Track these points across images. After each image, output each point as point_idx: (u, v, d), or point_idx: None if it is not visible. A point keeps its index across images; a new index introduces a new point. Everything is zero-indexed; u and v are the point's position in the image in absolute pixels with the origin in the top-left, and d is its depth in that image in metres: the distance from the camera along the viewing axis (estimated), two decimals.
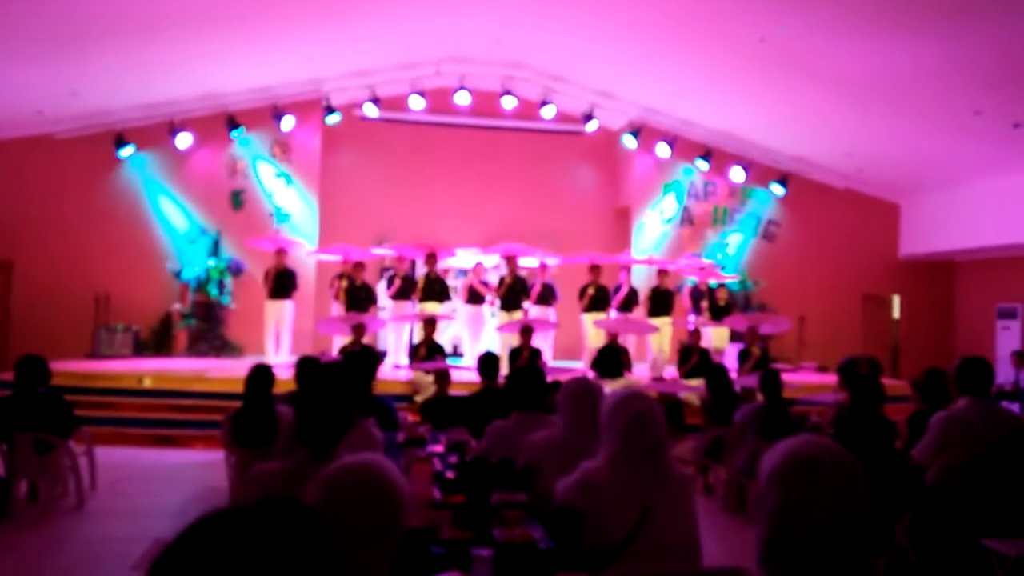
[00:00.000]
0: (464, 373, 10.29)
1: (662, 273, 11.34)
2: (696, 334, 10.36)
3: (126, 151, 11.99)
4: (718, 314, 11.01)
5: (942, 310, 14.03)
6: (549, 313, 11.09)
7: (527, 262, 11.76)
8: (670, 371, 10.86)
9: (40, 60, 9.48)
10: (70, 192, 11.97)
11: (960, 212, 12.54)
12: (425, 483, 3.12)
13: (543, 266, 11.19)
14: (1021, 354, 11.47)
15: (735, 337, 11.11)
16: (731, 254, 13.43)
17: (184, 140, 12.06)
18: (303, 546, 0.90)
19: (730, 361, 10.45)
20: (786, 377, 6.80)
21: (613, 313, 11.04)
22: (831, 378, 9.59)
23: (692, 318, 11.07)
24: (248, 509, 0.92)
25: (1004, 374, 10.86)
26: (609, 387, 3.40)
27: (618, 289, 11.21)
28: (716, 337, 11.16)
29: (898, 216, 13.98)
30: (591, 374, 9.67)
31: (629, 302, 11.12)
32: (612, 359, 9.48)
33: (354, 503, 1.59)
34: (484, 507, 2.77)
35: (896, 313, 14.34)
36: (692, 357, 10.12)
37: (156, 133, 12.02)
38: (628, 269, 11.61)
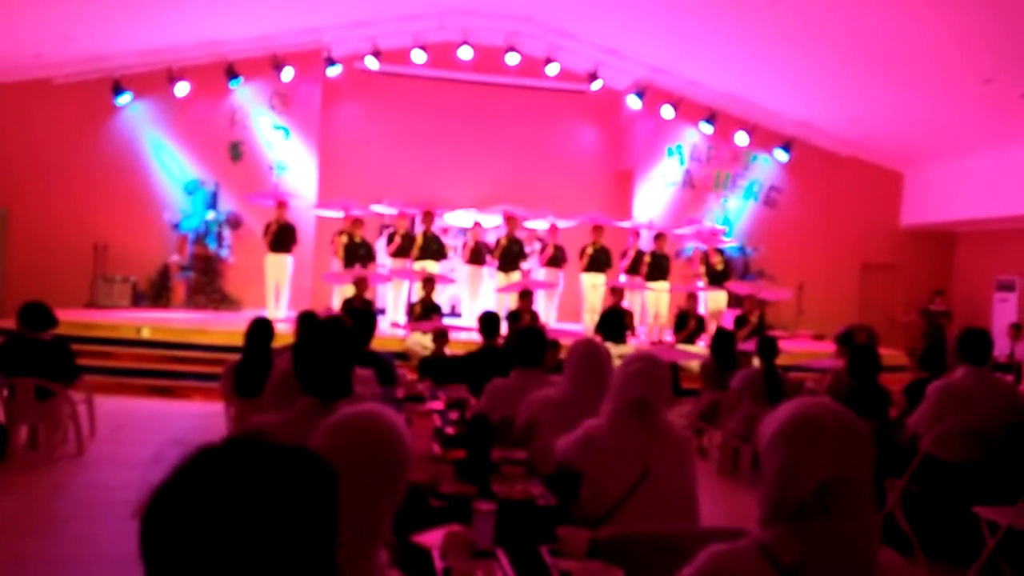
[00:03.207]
0: (462, 332, 10.31)
1: (660, 237, 11.31)
2: (692, 300, 10.37)
3: (124, 99, 11.81)
4: (715, 278, 11.02)
5: (941, 281, 14.04)
6: (559, 275, 11.07)
7: (536, 224, 11.69)
8: (666, 336, 10.89)
9: (37, 1, 9.27)
10: (68, 138, 11.83)
11: (962, 183, 12.47)
12: (425, 438, 3.13)
13: (553, 228, 11.13)
14: (1017, 326, 11.53)
15: (732, 303, 11.12)
16: (732, 219, 13.38)
17: (182, 89, 11.88)
18: (319, 496, 0.91)
19: (726, 327, 10.48)
20: (783, 344, 6.83)
21: (622, 277, 11.05)
22: (827, 346, 9.64)
23: (702, 283, 11.09)
24: (265, 447, 0.91)
25: (1000, 346, 10.90)
26: (613, 350, 3.40)
27: (624, 253, 11.20)
28: (713, 303, 11.17)
29: (901, 185, 13.90)
30: (592, 334, 9.70)
31: (636, 265, 11.11)
32: (616, 322, 9.50)
33: (360, 452, 1.59)
34: (484, 462, 2.79)
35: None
36: (689, 322, 10.15)
37: (154, 81, 11.83)
38: (636, 233, 11.57)
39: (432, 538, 2.09)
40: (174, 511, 0.84)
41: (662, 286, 11.07)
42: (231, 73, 11.93)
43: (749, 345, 7.41)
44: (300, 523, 0.87)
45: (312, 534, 0.89)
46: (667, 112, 12.85)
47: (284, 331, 7.54)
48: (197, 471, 0.87)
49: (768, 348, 6.28)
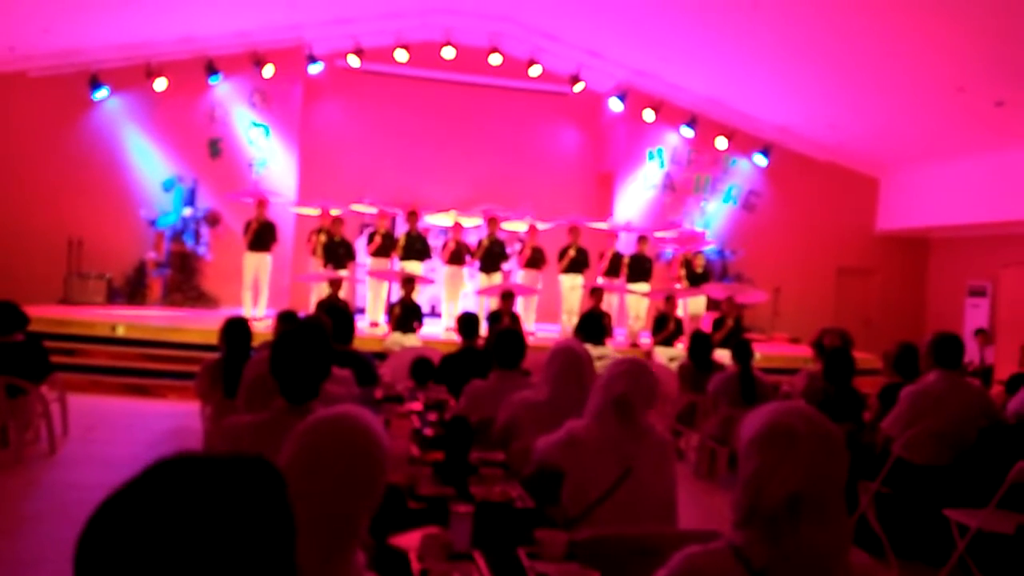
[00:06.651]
0: (442, 333, 10.30)
1: (642, 240, 11.37)
2: (672, 302, 10.42)
3: (101, 93, 11.66)
4: (695, 281, 11.09)
5: (915, 286, 14.25)
6: (538, 277, 11.07)
7: (514, 225, 11.70)
8: (644, 338, 10.95)
9: None
10: (43, 132, 11.64)
11: (936, 189, 12.67)
12: (404, 439, 3.13)
13: (533, 229, 11.13)
14: (984, 332, 11.73)
15: (711, 306, 11.21)
16: (711, 223, 13.48)
17: (161, 84, 11.74)
18: (263, 506, 0.86)
19: (705, 330, 10.54)
20: (759, 347, 6.89)
21: (600, 279, 11.09)
22: (803, 349, 9.75)
23: (681, 286, 11.16)
24: (211, 460, 0.88)
25: (969, 352, 11.08)
26: (592, 352, 3.42)
27: (602, 255, 11.24)
28: (693, 305, 11.25)
29: (877, 191, 14.09)
30: (571, 336, 9.72)
31: (615, 267, 11.15)
32: (595, 324, 9.53)
33: (335, 454, 1.59)
34: (463, 464, 2.79)
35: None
36: (668, 325, 10.20)
37: (132, 76, 11.68)
38: (616, 235, 11.62)
39: (409, 540, 2.08)
40: (109, 538, 0.80)
41: (643, 288, 11.13)
42: (211, 69, 11.81)
43: (723, 356, 7.46)
44: (247, 538, 0.82)
45: (263, 547, 0.84)
46: (648, 115, 12.92)
47: (263, 330, 7.49)
48: (129, 496, 0.82)
49: (743, 351, 6.34)
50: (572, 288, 11.05)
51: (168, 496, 0.81)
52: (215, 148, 12.27)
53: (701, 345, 7.08)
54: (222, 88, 12.21)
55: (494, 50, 12.34)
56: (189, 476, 0.84)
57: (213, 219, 12.02)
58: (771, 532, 1.51)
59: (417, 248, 10.89)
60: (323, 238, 10.66)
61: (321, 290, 10.15)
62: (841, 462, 1.55)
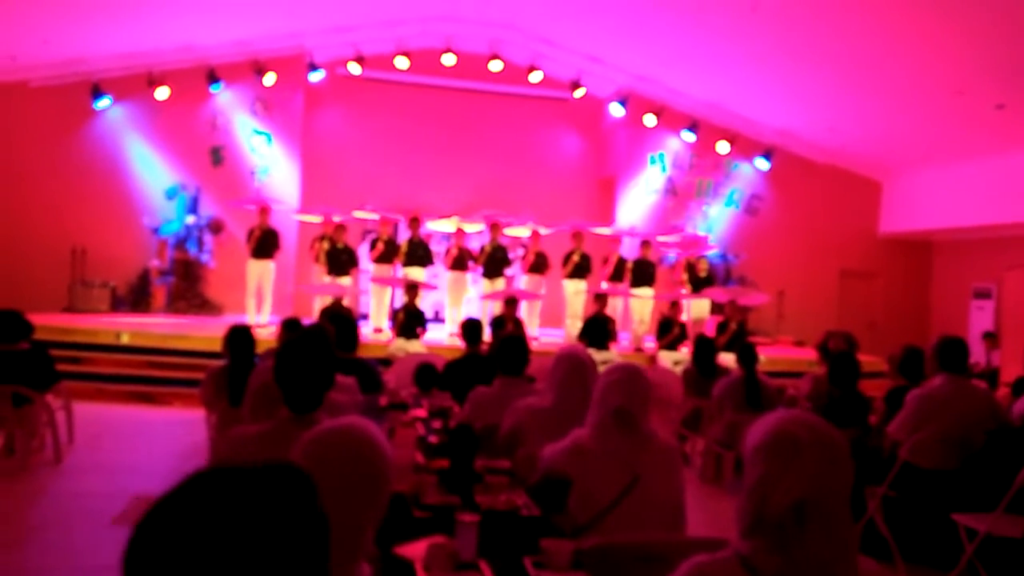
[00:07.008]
0: (445, 338, 10.28)
1: (645, 244, 11.37)
2: (676, 306, 10.42)
3: (103, 102, 11.70)
4: (699, 285, 11.09)
5: (919, 288, 14.22)
6: (541, 282, 11.07)
7: (517, 231, 11.70)
8: (648, 342, 10.93)
9: (12, 2, 9.16)
10: (45, 142, 11.68)
11: (939, 191, 12.65)
12: (408, 447, 3.13)
13: (535, 234, 11.13)
14: (992, 335, 11.69)
15: (715, 310, 11.19)
16: (713, 227, 13.47)
17: (163, 93, 11.78)
18: (299, 511, 0.91)
19: (708, 333, 10.53)
20: (763, 351, 6.87)
21: (604, 284, 11.09)
22: (808, 352, 9.73)
23: (685, 291, 11.15)
24: (246, 470, 0.91)
25: (975, 354, 11.06)
26: (596, 357, 3.42)
27: (606, 260, 11.24)
28: (696, 309, 11.24)
29: (879, 194, 14.08)
30: (575, 341, 9.73)
31: (619, 272, 11.15)
32: (599, 329, 9.52)
33: (340, 466, 1.59)
34: (468, 472, 2.78)
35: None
36: (672, 329, 10.19)
37: (134, 85, 11.73)
38: (619, 240, 11.62)
39: (415, 550, 2.08)
40: (156, 549, 0.83)
41: (647, 293, 11.12)
42: (212, 78, 11.86)
43: (728, 360, 7.44)
44: (284, 542, 0.87)
45: (299, 551, 0.89)
46: (649, 120, 12.93)
47: (267, 337, 7.50)
48: (173, 508, 0.86)
49: (747, 355, 6.32)
50: (576, 293, 11.05)
51: (213, 506, 0.85)
52: (217, 156, 12.30)
53: (705, 349, 7.07)
54: (223, 96, 12.24)
55: (494, 57, 12.36)
56: (230, 486, 0.88)
57: (216, 227, 12.05)
58: (778, 541, 1.50)
59: (420, 254, 10.90)
60: (326, 245, 10.68)
61: (325, 297, 10.16)
62: (846, 470, 1.55)
